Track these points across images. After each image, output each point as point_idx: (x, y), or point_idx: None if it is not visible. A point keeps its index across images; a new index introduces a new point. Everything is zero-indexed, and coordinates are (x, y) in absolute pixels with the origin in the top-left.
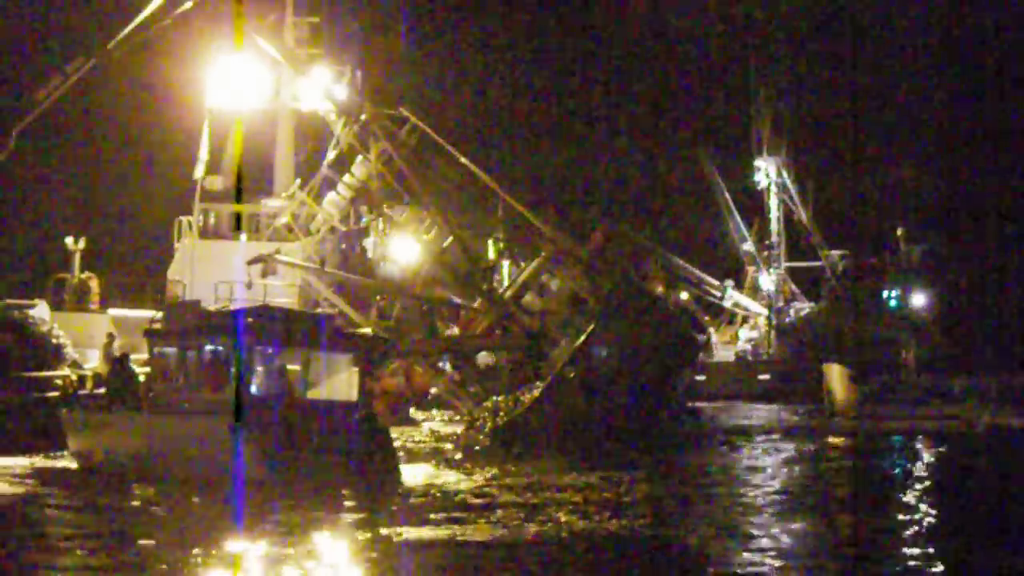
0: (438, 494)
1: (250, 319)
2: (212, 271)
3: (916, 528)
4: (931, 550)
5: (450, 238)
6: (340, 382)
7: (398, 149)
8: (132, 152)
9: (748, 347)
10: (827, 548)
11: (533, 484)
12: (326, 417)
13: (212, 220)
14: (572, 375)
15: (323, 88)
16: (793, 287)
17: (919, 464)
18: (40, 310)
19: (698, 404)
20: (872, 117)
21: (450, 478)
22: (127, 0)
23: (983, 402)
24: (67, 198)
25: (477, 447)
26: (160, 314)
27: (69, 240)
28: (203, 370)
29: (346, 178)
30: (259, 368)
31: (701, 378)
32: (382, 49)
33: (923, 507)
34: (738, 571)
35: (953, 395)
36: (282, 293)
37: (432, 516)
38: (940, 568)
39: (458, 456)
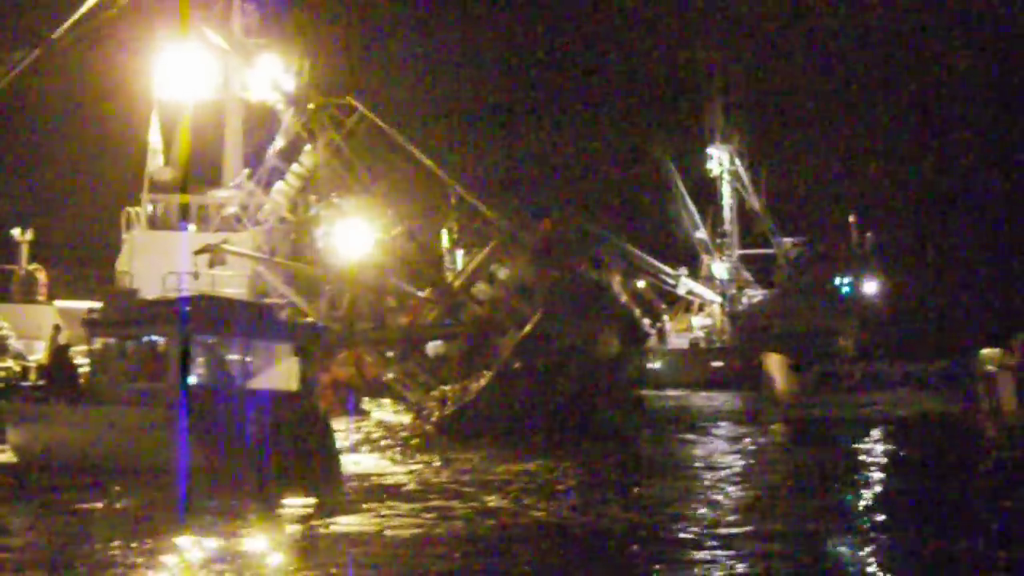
0: (375, 484)
1: (189, 308)
2: (160, 262)
3: (846, 512)
4: (861, 532)
5: (398, 227)
6: (280, 371)
7: (345, 138)
8: (79, 143)
9: (701, 334)
10: (754, 532)
11: (472, 471)
12: (264, 407)
13: (160, 211)
14: (517, 365)
15: (270, 77)
16: (747, 274)
17: (851, 450)
18: None
19: (648, 392)
20: (825, 104)
21: (390, 467)
22: None
23: (919, 389)
24: (14, 189)
25: (423, 437)
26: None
27: (16, 232)
28: (141, 360)
29: (294, 167)
30: (198, 358)
31: (655, 365)
32: (331, 37)
33: (855, 492)
34: (659, 555)
35: (891, 383)
36: (233, 283)
37: (364, 506)
38: (871, 548)
39: (403, 446)
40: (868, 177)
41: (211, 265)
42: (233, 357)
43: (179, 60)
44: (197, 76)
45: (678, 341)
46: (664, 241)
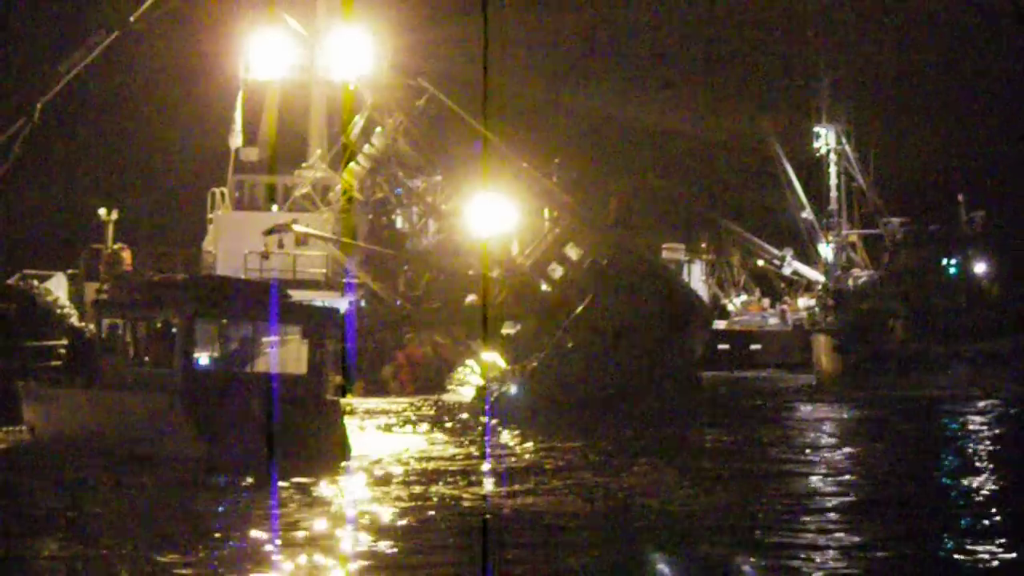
0: (373, 466)
1: (195, 290)
2: (244, 242)
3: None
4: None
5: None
6: (290, 354)
7: (415, 120)
8: (166, 123)
9: (804, 315)
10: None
11: (478, 457)
12: (272, 390)
13: (247, 191)
14: (570, 344)
15: (348, 58)
16: (854, 255)
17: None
18: (55, 281)
19: (741, 372)
20: (934, 81)
21: (415, 448)
22: None
23: (968, 369)
24: (100, 170)
25: (476, 417)
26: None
27: (102, 211)
28: (148, 342)
29: (365, 148)
30: (203, 340)
31: (757, 347)
32: (410, 19)
33: (832, 478)
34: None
35: (938, 363)
36: (313, 264)
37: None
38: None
39: (450, 426)
40: (978, 155)
41: (280, 245)
42: (241, 339)
43: (263, 42)
44: (281, 58)
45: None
46: (775, 221)
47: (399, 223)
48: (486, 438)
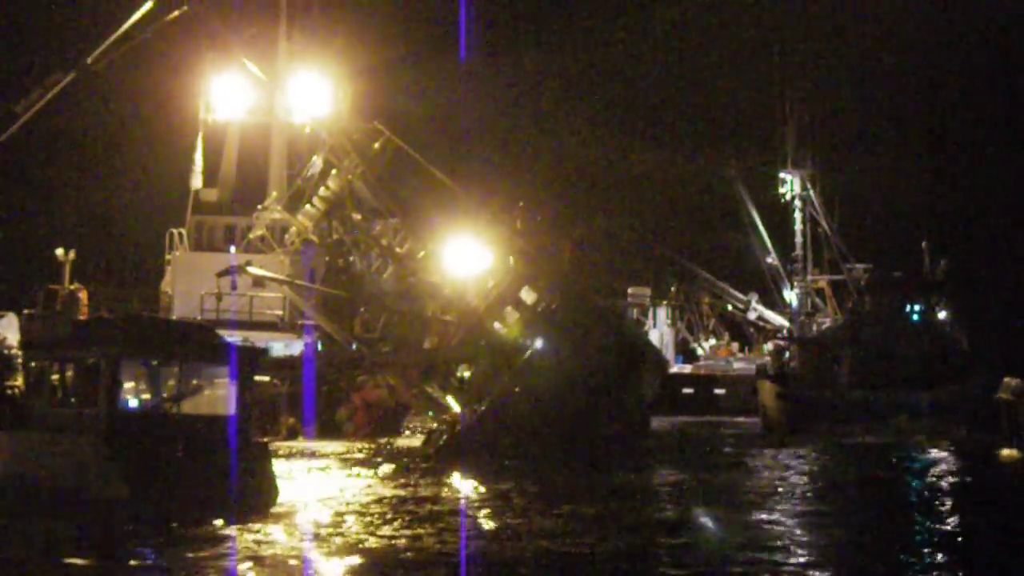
0: (301, 511)
1: (122, 330)
2: (202, 283)
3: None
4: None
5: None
6: (217, 396)
7: (369, 163)
8: (125, 164)
9: (767, 360)
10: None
11: (410, 500)
12: (198, 432)
13: (206, 232)
14: (517, 389)
15: (305, 101)
16: (819, 300)
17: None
18: (6, 322)
19: (699, 418)
20: (900, 129)
21: (351, 492)
22: (110, 13)
23: (912, 417)
24: (58, 210)
25: (422, 460)
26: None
27: (60, 251)
28: (76, 383)
29: (320, 190)
30: (131, 382)
31: (721, 391)
32: (368, 62)
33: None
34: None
35: (882, 411)
36: (272, 305)
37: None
38: None
39: (386, 470)
40: (943, 202)
41: (223, 288)
42: (168, 380)
43: (223, 84)
44: (241, 99)
45: (744, 366)
46: (742, 266)
47: (356, 265)
48: (420, 481)
